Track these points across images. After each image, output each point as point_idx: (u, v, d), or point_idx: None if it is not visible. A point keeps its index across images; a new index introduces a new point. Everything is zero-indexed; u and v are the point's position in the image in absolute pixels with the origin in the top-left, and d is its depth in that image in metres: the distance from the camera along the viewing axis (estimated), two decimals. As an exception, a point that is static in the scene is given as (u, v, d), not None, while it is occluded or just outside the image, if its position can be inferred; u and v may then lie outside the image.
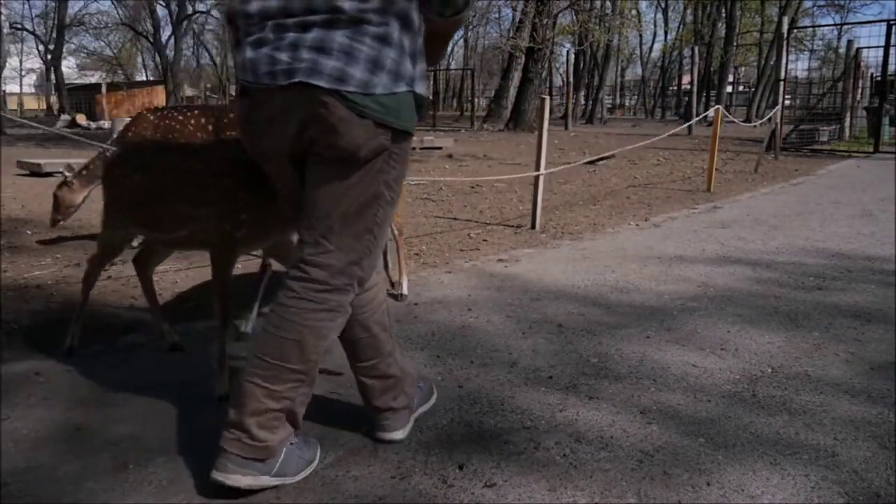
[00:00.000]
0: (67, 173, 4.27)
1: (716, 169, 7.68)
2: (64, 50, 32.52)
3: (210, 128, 4.21)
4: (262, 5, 1.51)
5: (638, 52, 43.82)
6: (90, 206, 5.81)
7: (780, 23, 16.27)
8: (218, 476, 1.56)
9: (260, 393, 1.56)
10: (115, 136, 4.36)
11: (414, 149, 12.45)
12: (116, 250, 2.45)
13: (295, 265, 1.61)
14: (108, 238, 2.38)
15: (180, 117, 4.26)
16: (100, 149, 4.35)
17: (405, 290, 3.33)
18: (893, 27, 12.45)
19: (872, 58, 15.77)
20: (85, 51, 41.53)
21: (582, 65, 29.89)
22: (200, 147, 2.36)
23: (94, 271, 2.51)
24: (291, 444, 1.66)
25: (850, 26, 26.04)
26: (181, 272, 3.75)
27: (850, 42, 15.79)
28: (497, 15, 41.56)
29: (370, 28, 1.47)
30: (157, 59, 33.29)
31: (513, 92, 19.08)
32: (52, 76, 31.19)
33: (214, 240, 2.04)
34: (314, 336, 1.59)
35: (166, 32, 31.63)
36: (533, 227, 5.18)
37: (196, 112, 4.34)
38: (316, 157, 1.57)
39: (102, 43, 40.39)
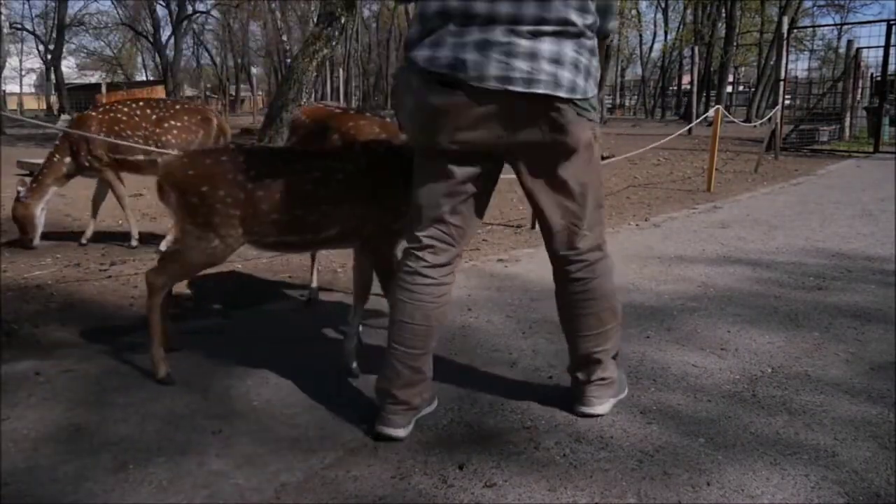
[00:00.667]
0: (20, 188, 4.24)
1: (716, 169, 7.68)
2: (64, 50, 32.48)
3: (154, 118, 4.19)
4: (491, 8, 1.64)
5: (638, 52, 43.81)
6: (89, 205, 5.81)
7: (780, 23, 16.25)
8: (597, 410, 2.05)
9: (601, 355, 2.01)
10: (57, 141, 4.33)
11: (414, 149, 12.43)
12: (218, 261, 2.23)
13: (561, 254, 1.94)
14: (210, 248, 2.15)
15: (125, 109, 4.24)
16: (48, 156, 4.33)
17: (314, 285, 3.23)
18: (893, 27, 12.45)
19: (872, 58, 15.71)
20: (85, 51, 41.49)
21: (582, 65, 29.80)
22: (351, 150, 2.38)
23: (165, 288, 2.27)
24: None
25: (850, 26, 26.00)
26: (181, 272, 3.75)
27: (850, 42, 15.77)
28: (497, 15, 41.52)
29: (587, 42, 1.74)
30: (157, 59, 33.28)
31: (513, 92, 19.04)
32: (52, 76, 31.15)
33: (380, 235, 2.20)
34: (609, 297, 1.98)
35: (166, 32, 31.62)
36: (533, 227, 5.17)
37: (141, 104, 4.32)
38: (535, 156, 1.82)
39: (102, 43, 40.34)
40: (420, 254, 1.88)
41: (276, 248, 2.32)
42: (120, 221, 5.25)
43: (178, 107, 4.37)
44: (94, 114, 4.29)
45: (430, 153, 1.85)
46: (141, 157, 4.23)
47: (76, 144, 4.21)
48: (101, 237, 4.65)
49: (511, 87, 1.65)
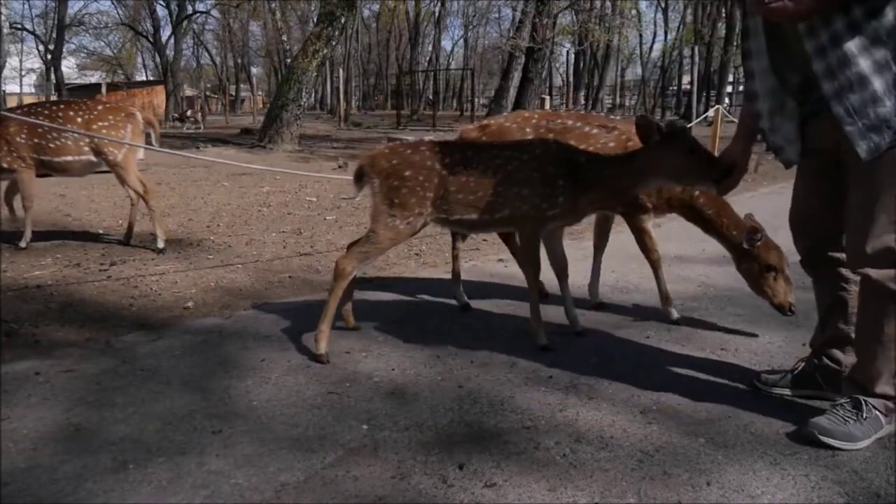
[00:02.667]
0: None
1: (716, 169, 7.66)
2: (64, 50, 32.49)
3: (80, 120, 4.11)
4: None
5: (638, 52, 43.78)
6: (88, 205, 5.80)
7: (780, 23, 16.23)
8: None
9: None
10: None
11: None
12: (402, 239, 2.60)
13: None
14: (399, 226, 2.49)
15: (46, 112, 4.15)
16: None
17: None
18: (893, 27, 12.42)
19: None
20: (85, 51, 41.46)
21: (582, 65, 29.90)
22: (527, 142, 2.75)
23: (354, 272, 2.55)
24: None
25: (850, 26, 25.92)
26: (180, 273, 3.75)
27: (850, 42, 15.74)
28: (497, 15, 41.59)
29: None
30: (157, 59, 33.29)
31: (513, 92, 19.06)
32: (52, 76, 31.16)
33: (531, 216, 2.52)
34: None
35: (166, 32, 31.62)
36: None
37: (62, 106, 4.26)
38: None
39: (102, 43, 40.34)
40: None
41: (458, 225, 2.67)
42: (120, 221, 5.25)
43: (100, 107, 4.30)
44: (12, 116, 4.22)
45: None
46: (70, 158, 4.16)
47: None
48: (101, 237, 4.65)
49: None
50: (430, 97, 36.36)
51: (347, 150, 12.43)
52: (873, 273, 1.84)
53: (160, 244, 4.23)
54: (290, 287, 3.53)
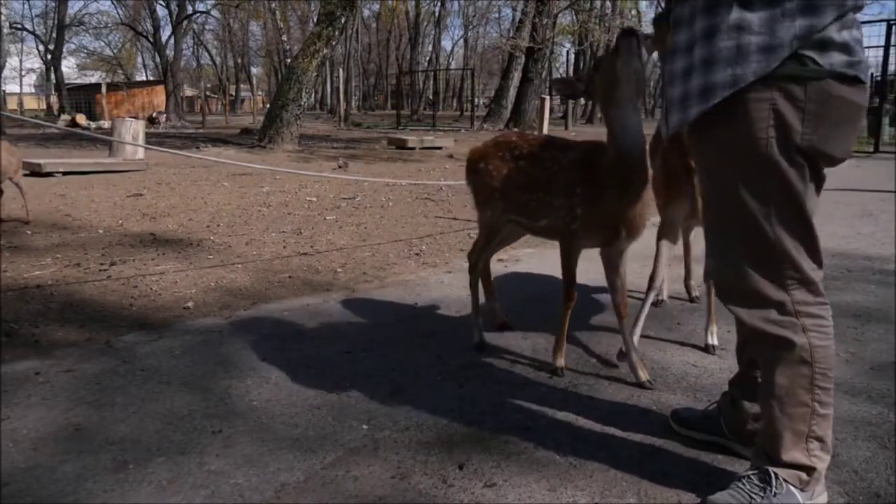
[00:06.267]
0: None
1: (716, 169, 7.66)
2: (64, 50, 32.51)
3: None
4: None
5: (638, 51, 43.75)
6: (88, 205, 5.81)
7: (780, 23, 16.19)
8: None
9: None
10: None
11: (413, 149, 12.45)
12: (498, 232, 2.63)
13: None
14: (487, 219, 2.58)
15: None
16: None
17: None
18: (893, 27, 12.45)
19: (872, 58, 15.64)
20: (85, 51, 41.53)
21: (582, 65, 29.87)
22: (571, 144, 2.40)
23: (481, 255, 2.70)
24: None
25: (849, 26, 25.89)
26: (181, 273, 3.75)
27: (849, 42, 15.69)
28: (497, 15, 41.61)
29: None
30: (157, 59, 33.27)
31: (513, 92, 19.07)
32: (52, 76, 31.18)
33: (562, 230, 2.31)
34: None
35: (166, 32, 31.60)
36: (533, 227, 5.17)
37: None
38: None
39: (102, 43, 40.40)
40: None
41: (519, 227, 2.55)
42: (120, 221, 5.25)
43: None
44: None
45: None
46: None
47: None
48: (101, 237, 4.64)
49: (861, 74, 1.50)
50: (430, 97, 36.39)
51: (347, 150, 12.43)
52: (743, 314, 1.53)
53: None
54: (290, 287, 3.53)
